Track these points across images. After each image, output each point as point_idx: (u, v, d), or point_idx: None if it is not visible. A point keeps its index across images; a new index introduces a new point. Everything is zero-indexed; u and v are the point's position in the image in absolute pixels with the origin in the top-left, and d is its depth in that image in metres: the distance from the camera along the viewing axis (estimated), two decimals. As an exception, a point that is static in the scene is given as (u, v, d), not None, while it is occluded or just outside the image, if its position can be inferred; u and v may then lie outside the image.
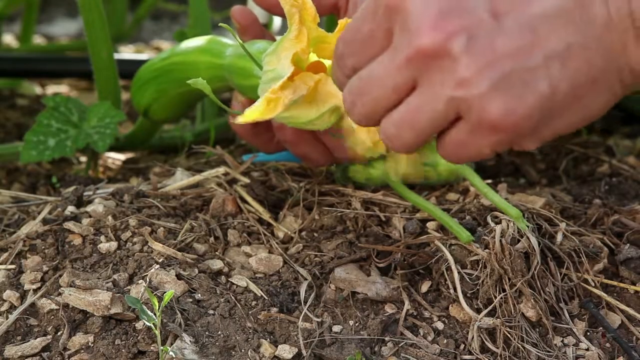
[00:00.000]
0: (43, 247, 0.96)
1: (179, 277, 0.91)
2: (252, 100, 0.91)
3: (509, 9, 0.68)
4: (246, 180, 1.06)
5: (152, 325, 0.82)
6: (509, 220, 0.94)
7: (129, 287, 0.89)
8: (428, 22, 0.68)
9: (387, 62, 0.71)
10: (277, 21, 1.52)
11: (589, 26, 0.68)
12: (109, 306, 0.86)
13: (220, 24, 0.89)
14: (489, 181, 1.09)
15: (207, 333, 0.86)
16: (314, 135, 1.00)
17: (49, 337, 0.87)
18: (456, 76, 0.68)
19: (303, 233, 1.01)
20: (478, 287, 0.91)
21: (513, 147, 0.72)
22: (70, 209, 1.01)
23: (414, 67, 0.69)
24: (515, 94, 0.67)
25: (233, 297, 0.90)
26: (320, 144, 1.01)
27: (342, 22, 0.84)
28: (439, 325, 0.91)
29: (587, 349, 0.90)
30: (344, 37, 0.76)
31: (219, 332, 0.86)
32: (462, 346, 0.89)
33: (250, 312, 0.89)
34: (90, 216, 0.99)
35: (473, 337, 0.88)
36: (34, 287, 0.92)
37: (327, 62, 0.88)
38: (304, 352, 0.85)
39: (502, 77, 0.67)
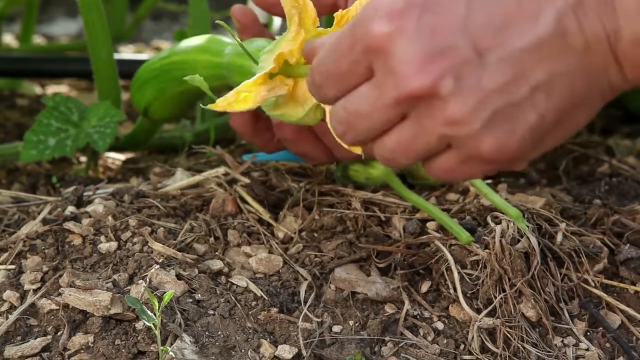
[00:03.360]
0: (43, 247, 0.96)
1: (179, 277, 0.91)
2: None
3: (491, 44, 0.68)
4: (246, 180, 1.06)
5: (152, 326, 0.82)
6: (509, 221, 0.94)
7: (129, 287, 0.89)
8: (413, 65, 0.67)
9: (373, 99, 0.71)
10: (277, 21, 1.52)
11: (568, 53, 0.68)
12: (109, 306, 0.86)
13: (217, 21, 0.88)
14: (489, 181, 1.09)
15: (207, 333, 0.86)
16: (314, 133, 1.00)
17: (49, 337, 0.87)
18: (446, 115, 0.68)
19: (303, 233, 1.01)
20: (478, 287, 0.91)
21: (502, 169, 0.74)
22: (70, 209, 1.01)
23: (403, 106, 0.70)
24: (506, 129, 0.68)
25: (233, 297, 0.90)
26: (320, 143, 1.01)
27: (338, 15, 0.84)
28: (439, 325, 0.91)
29: (587, 349, 0.90)
30: (319, 69, 0.74)
31: (219, 332, 0.86)
32: (462, 346, 0.89)
33: (250, 312, 0.89)
34: (90, 216, 0.99)
35: (473, 337, 0.88)
36: (34, 287, 0.92)
37: None
38: (304, 352, 0.85)
39: (493, 115, 0.68)
